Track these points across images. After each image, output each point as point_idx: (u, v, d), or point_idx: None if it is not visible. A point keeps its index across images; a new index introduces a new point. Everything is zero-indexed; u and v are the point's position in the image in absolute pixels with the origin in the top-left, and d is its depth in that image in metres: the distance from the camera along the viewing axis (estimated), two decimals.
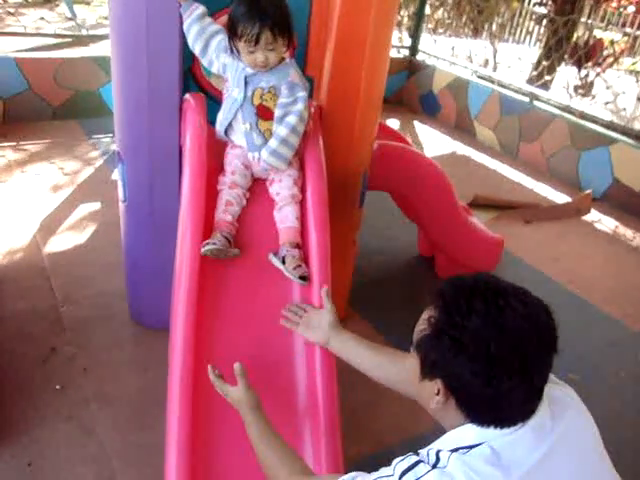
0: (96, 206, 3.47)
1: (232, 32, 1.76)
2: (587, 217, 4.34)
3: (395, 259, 3.42)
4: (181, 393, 1.51)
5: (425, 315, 1.08)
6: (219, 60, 1.88)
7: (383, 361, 1.48)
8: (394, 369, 1.44)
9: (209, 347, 1.64)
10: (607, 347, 2.89)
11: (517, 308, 1.01)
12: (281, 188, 1.85)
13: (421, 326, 1.08)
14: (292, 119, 1.82)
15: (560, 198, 4.59)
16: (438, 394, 1.05)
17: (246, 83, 1.82)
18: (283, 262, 1.73)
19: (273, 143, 1.81)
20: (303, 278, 1.69)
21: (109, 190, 3.27)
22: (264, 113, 1.84)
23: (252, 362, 1.65)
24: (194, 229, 1.71)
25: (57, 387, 2.16)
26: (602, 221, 4.30)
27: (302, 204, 1.86)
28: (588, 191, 4.53)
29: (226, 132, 1.91)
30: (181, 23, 1.90)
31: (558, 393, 1.12)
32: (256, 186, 1.94)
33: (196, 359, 1.57)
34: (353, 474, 1.09)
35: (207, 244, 1.68)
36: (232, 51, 1.82)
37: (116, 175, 2.43)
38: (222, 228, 1.75)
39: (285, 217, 1.81)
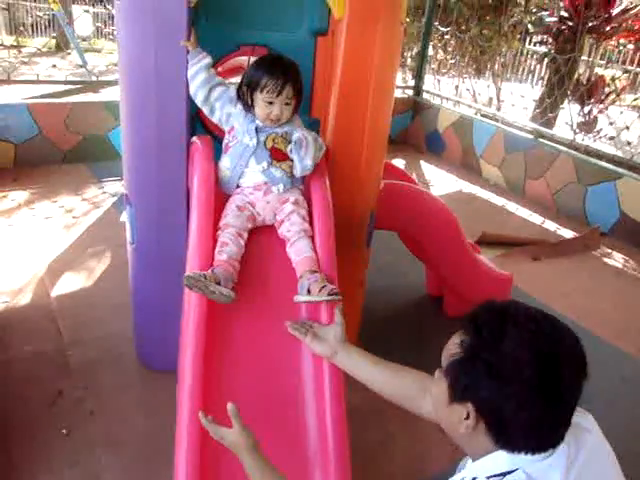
0: (104, 248, 3.49)
1: (253, 84, 1.85)
2: (596, 252, 4.32)
3: (403, 298, 3.39)
4: (189, 437, 1.49)
5: (456, 339, 1.08)
6: (223, 110, 1.95)
7: (390, 377, 1.49)
8: (401, 384, 1.45)
9: (217, 390, 1.62)
10: (620, 383, 2.84)
11: (549, 333, 1.02)
12: (292, 225, 1.86)
13: (452, 350, 1.08)
14: (310, 135, 1.93)
15: (568, 234, 4.58)
16: (467, 418, 1.05)
17: (257, 131, 1.89)
18: (309, 293, 1.69)
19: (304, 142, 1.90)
20: (334, 294, 1.65)
21: (117, 233, 3.29)
22: (277, 155, 1.90)
23: (260, 405, 1.63)
24: (202, 269, 1.70)
25: (63, 431, 2.14)
26: (611, 255, 4.28)
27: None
28: (596, 226, 4.53)
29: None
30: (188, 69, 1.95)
31: (578, 419, 1.11)
32: (262, 232, 1.93)
33: (204, 402, 1.55)
34: None
35: (188, 276, 1.62)
36: (245, 103, 1.89)
37: (124, 218, 2.45)
38: (215, 266, 1.71)
39: (300, 249, 1.80)
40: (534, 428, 1.00)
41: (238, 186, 1.94)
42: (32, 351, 2.54)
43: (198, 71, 1.92)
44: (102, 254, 3.44)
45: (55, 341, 2.63)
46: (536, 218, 4.87)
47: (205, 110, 1.98)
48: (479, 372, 1.01)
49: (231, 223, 1.83)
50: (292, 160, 1.92)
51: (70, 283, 3.11)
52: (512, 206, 5.08)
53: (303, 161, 1.90)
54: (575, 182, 4.86)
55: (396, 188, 2.81)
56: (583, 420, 1.13)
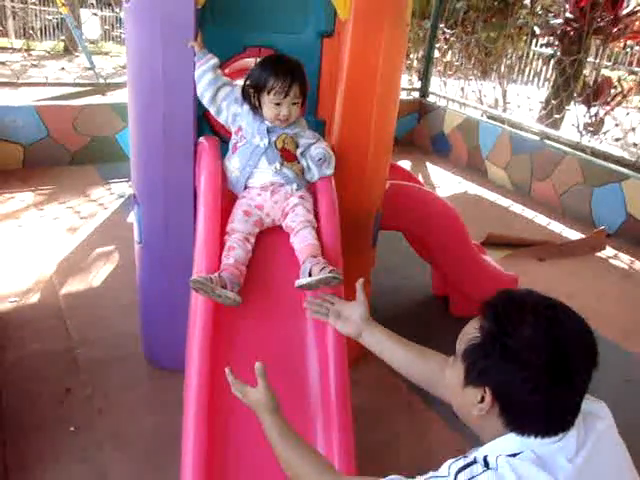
0: (112, 248, 3.52)
1: (259, 85, 1.86)
2: (602, 253, 4.31)
3: (409, 298, 3.40)
4: (195, 435, 1.51)
5: (475, 324, 1.12)
6: (229, 110, 1.96)
7: (415, 359, 1.50)
8: (426, 368, 1.47)
9: (224, 389, 1.64)
10: (625, 384, 2.84)
11: (565, 321, 1.07)
12: (296, 215, 1.87)
13: (470, 334, 1.11)
14: (321, 144, 1.97)
15: (574, 235, 4.58)
16: (482, 401, 1.08)
17: (268, 132, 1.90)
18: (310, 275, 1.70)
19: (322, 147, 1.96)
20: (333, 273, 1.64)
21: (124, 233, 3.32)
22: (287, 155, 1.93)
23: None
24: (209, 270, 1.73)
25: (72, 429, 2.16)
26: (617, 257, 4.27)
27: None
28: (602, 227, 4.52)
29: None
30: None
31: (591, 407, 1.15)
32: (269, 235, 1.94)
33: (211, 401, 1.57)
34: (395, 477, 1.11)
35: (194, 279, 1.65)
36: (253, 105, 1.90)
37: (131, 218, 2.47)
38: (222, 270, 1.73)
39: (304, 237, 1.81)
40: (546, 411, 1.04)
41: (246, 187, 1.95)
42: (41, 350, 2.57)
43: (205, 72, 1.94)
44: (110, 254, 3.46)
45: (64, 340, 2.65)
46: (542, 219, 4.87)
47: (212, 110, 2.00)
48: (497, 356, 1.05)
49: (238, 228, 1.84)
50: (300, 162, 1.95)
51: (78, 283, 3.14)
52: (518, 207, 5.08)
53: (322, 171, 1.96)
54: (581, 183, 4.86)
55: (402, 189, 2.83)
56: (596, 408, 1.17)
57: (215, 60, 1.96)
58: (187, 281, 1.73)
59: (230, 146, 1.99)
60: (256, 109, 1.91)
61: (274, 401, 1.36)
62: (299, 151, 1.94)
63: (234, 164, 1.94)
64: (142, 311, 2.51)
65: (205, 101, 1.98)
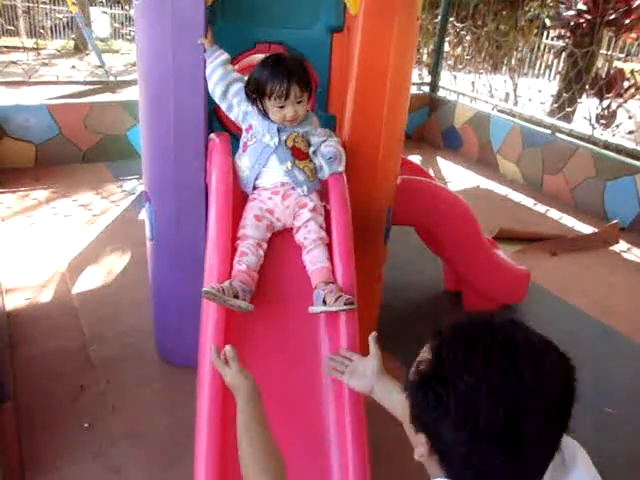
0: (123, 245, 3.54)
1: (259, 92, 1.85)
2: (615, 247, 4.28)
3: (421, 294, 3.40)
4: (209, 431, 1.51)
5: (420, 356, 0.95)
6: (240, 107, 1.95)
7: None
8: None
9: None
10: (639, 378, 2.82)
11: (524, 376, 0.84)
12: (308, 232, 1.85)
13: (412, 368, 0.96)
14: (332, 141, 1.94)
15: (586, 229, 4.54)
16: (423, 445, 0.94)
17: (279, 131, 1.88)
18: (324, 303, 1.68)
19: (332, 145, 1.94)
20: (350, 304, 1.64)
21: (136, 230, 3.34)
22: (298, 154, 1.91)
23: (281, 398, 1.64)
24: (221, 266, 1.73)
25: (85, 425, 2.18)
26: (630, 251, 4.24)
27: (328, 240, 1.87)
28: (615, 221, 4.48)
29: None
30: (205, 67, 1.97)
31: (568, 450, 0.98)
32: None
33: (224, 397, 1.57)
34: None
35: (206, 290, 1.62)
36: (258, 109, 1.89)
37: (143, 215, 2.48)
38: (234, 277, 1.71)
39: (315, 258, 1.80)
40: (485, 475, 0.88)
41: (255, 187, 1.93)
42: (55, 347, 2.59)
43: (216, 67, 1.94)
44: (122, 251, 3.48)
45: (77, 337, 2.67)
46: (554, 213, 4.83)
47: (223, 106, 1.99)
48: (430, 405, 0.89)
49: (249, 234, 1.82)
50: (312, 161, 1.94)
51: (91, 280, 3.16)
52: (530, 202, 5.04)
53: (333, 168, 1.95)
54: (594, 177, 4.82)
55: (413, 184, 2.82)
56: (570, 454, 0.98)
57: (226, 56, 1.96)
58: (200, 277, 1.74)
59: (240, 144, 1.98)
60: (263, 112, 1.90)
61: (249, 385, 1.26)
62: (311, 150, 1.93)
63: (244, 163, 1.93)
64: (155, 308, 2.52)
65: (216, 97, 1.97)
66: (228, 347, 1.34)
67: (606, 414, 2.45)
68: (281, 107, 1.84)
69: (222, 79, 1.94)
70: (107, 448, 2.09)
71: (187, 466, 1.55)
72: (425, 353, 0.94)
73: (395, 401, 1.31)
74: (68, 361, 2.51)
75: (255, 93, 1.87)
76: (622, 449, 2.32)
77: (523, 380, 0.84)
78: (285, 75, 1.81)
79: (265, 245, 1.85)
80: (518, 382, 0.84)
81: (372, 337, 1.50)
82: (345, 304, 1.64)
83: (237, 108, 1.96)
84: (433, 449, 0.92)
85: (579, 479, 0.96)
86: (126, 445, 2.11)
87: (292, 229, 1.92)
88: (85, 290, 3.06)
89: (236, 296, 1.65)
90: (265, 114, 1.89)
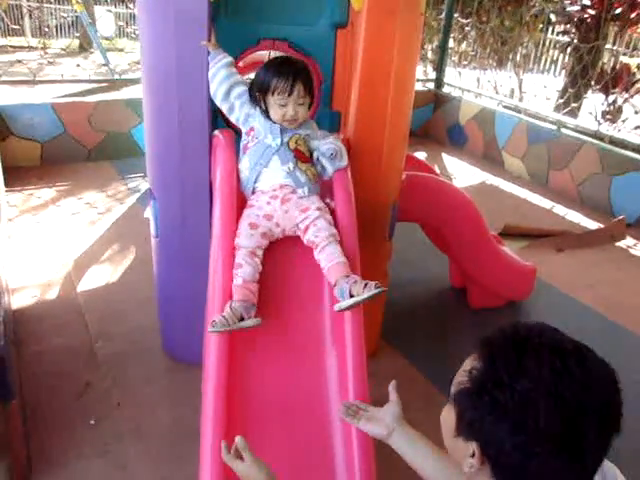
0: (129, 243, 3.54)
1: (264, 88, 1.83)
2: (621, 243, 4.26)
3: (427, 290, 3.39)
4: (214, 427, 1.51)
5: (467, 365, 0.95)
6: (242, 109, 1.92)
7: (448, 468, 1.23)
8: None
9: (241, 382, 1.64)
10: None
11: (577, 374, 0.85)
12: (319, 230, 1.79)
13: (461, 377, 0.94)
14: (329, 138, 1.94)
15: (592, 225, 4.52)
16: (473, 456, 0.92)
17: (281, 132, 1.86)
18: (351, 296, 1.63)
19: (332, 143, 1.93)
20: (379, 288, 1.61)
21: (141, 227, 3.34)
22: (300, 156, 1.88)
23: (284, 398, 1.65)
24: (226, 263, 1.73)
25: (92, 422, 2.18)
26: (637, 246, 4.21)
27: None
28: (621, 217, 4.46)
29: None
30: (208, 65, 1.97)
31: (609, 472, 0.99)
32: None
33: (229, 394, 1.57)
34: None
35: (213, 323, 1.58)
36: (260, 108, 1.88)
37: (148, 213, 2.48)
38: (233, 299, 1.66)
39: (331, 254, 1.73)
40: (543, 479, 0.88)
41: (253, 191, 1.88)
42: (61, 344, 2.60)
43: (219, 69, 1.93)
44: (127, 249, 3.49)
45: (83, 334, 2.68)
46: (560, 209, 4.81)
47: (224, 108, 1.97)
48: (486, 410, 0.88)
49: (243, 244, 1.77)
50: (314, 165, 1.92)
51: (96, 278, 3.17)
52: (535, 198, 5.03)
53: (336, 164, 1.93)
54: (600, 172, 4.79)
55: (418, 180, 2.81)
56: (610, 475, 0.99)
57: (229, 58, 1.95)
58: (204, 273, 1.74)
59: (241, 147, 1.95)
60: (266, 113, 1.88)
61: (264, 472, 1.22)
62: (315, 155, 1.91)
63: (244, 164, 1.90)
64: (159, 305, 2.53)
65: (218, 98, 1.95)
66: (238, 438, 1.28)
67: None
68: (283, 105, 1.82)
69: (225, 80, 1.93)
70: (113, 445, 2.10)
71: (192, 462, 1.55)
72: (474, 361, 0.94)
73: (419, 450, 1.29)
74: (74, 358, 2.52)
75: (259, 90, 1.86)
76: (629, 445, 2.29)
77: (575, 378, 0.85)
78: (291, 73, 1.81)
79: (261, 253, 1.79)
80: (571, 380, 0.85)
81: (392, 385, 1.44)
82: (376, 288, 1.61)
83: (239, 110, 1.93)
84: (485, 458, 0.91)
85: None
86: (132, 442, 2.12)
87: (289, 237, 1.86)
88: (91, 288, 3.07)
89: (241, 318, 1.62)
90: (267, 116, 1.87)
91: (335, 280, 1.69)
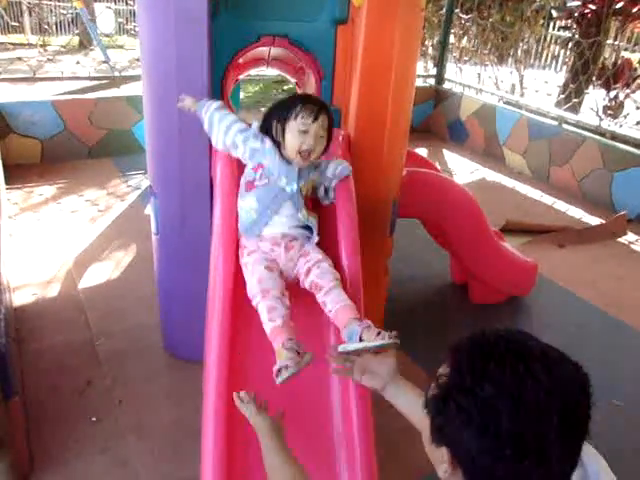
0: (129, 240, 3.54)
1: (286, 112, 1.71)
2: (623, 239, 4.25)
3: (428, 286, 3.39)
4: (215, 425, 1.51)
5: (439, 372, 0.97)
6: (246, 144, 1.77)
7: None
8: None
9: (243, 379, 1.64)
10: None
11: (541, 379, 0.86)
12: (323, 273, 1.69)
13: (432, 383, 0.97)
14: (333, 163, 1.88)
15: (594, 221, 4.51)
16: (446, 460, 0.94)
17: (299, 175, 1.74)
18: (360, 340, 1.52)
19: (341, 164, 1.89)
20: (394, 339, 1.47)
21: (142, 225, 3.34)
22: (309, 203, 1.84)
23: (286, 392, 1.64)
24: (226, 260, 1.72)
25: (93, 419, 2.19)
26: (638, 242, 4.21)
27: (333, 232, 1.86)
28: (623, 212, 4.45)
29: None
30: (209, 60, 1.96)
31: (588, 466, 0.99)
32: None
33: (230, 391, 1.57)
34: None
35: (279, 372, 1.47)
36: (273, 138, 1.75)
37: (149, 210, 2.48)
38: (282, 341, 1.53)
39: (337, 297, 1.64)
40: None
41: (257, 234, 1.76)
42: (62, 341, 2.60)
43: (213, 113, 1.83)
44: (128, 246, 3.49)
45: (84, 332, 2.68)
46: (561, 205, 4.81)
47: (227, 145, 1.81)
48: (453, 415, 0.90)
49: (268, 286, 1.64)
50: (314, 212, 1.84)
51: (97, 275, 3.17)
52: (536, 193, 5.02)
53: (341, 172, 1.88)
54: (601, 168, 4.78)
55: (419, 176, 2.80)
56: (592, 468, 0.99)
57: (219, 102, 1.86)
58: (204, 269, 1.72)
59: (243, 182, 1.79)
60: (277, 144, 1.74)
61: (268, 422, 1.34)
62: (320, 193, 1.86)
63: (249, 204, 1.74)
64: (160, 302, 2.53)
65: (220, 141, 1.82)
66: (243, 393, 1.40)
67: (614, 406, 2.44)
68: (304, 132, 1.69)
69: (221, 121, 1.81)
70: (114, 441, 2.10)
71: (193, 459, 1.56)
72: (443, 368, 0.96)
73: (410, 400, 1.35)
74: (75, 356, 2.52)
75: (278, 117, 1.73)
76: (630, 441, 2.31)
77: (539, 382, 0.86)
78: (318, 102, 1.75)
79: (287, 292, 1.67)
80: (534, 384, 0.85)
81: (392, 336, 1.46)
82: (390, 338, 1.47)
83: (242, 145, 1.78)
84: (456, 463, 0.92)
85: None
86: (133, 439, 2.12)
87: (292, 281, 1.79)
88: (91, 285, 3.07)
89: (298, 352, 1.51)
90: (279, 151, 1.74)
91: (346, 322, 1.59)
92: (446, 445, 0.93)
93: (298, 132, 1.70)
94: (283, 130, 1.72)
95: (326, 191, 1.88)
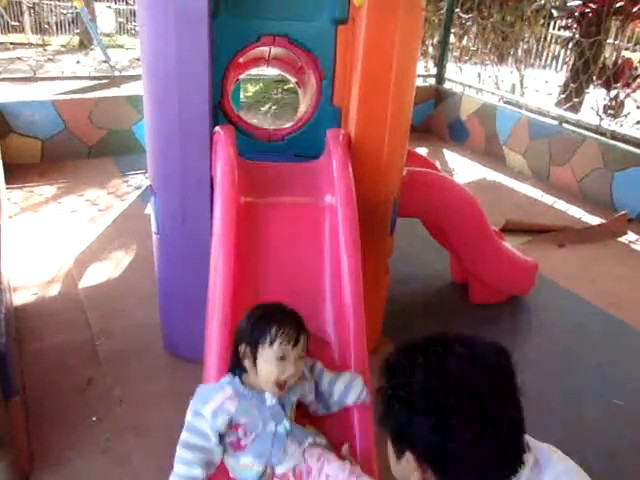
0: (130, 240, 3.54)
1: (258, 338, 1.42)
2: (623, 238, 4.25)
3: (428, 286, 3.39)
4: None
5: (377, 389, 1.05)
6: (221, 418, 1.41)
7: None
8: None
9: None
10: None
11: (460, 352, 0.97)
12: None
13: (376, 401, 1.05)
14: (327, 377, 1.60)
15: (594, 220, 4.51)
16: (416, 470, 1.00)
17: (283, 407, 1.47)
18: None
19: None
20: None
21: (142, 225, 3.34)
22: (300, 420, 1.55)
23: None
24: (226, 259, 1.72)
25: (93, 419, 2.19)
26: (639, 242, 4.21)
27: (334, 231, 1.87)
28: (623, 212, 4.45)
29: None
30: (209, 60, 1.97)
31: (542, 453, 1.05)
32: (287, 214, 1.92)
33: None
34: None
35: None
36: (241, 371, 1.47)
37: (149, 210, 2.48)
38: None
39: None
40: (474, 457, 0.94)
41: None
42: (62, 341, 2.60)
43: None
44: (128, 246, 3.49)
45: (84, 331, 2.68)
46: (561, 205, 4.80)
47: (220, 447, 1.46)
48: (399, 412, 0.98)
49: None
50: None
51: (97, 275, 3.17)
52: (537, 193, 5.02)
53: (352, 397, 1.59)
54: (601, 168, 4.78)
55: (419, 175, 2.80)
56: (545, 458, 1.04)
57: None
58: (205, 268, 1.72)
59: (228, 444, 1.46)
60: (240, 370, 1.47)
61: None
62: (310, 403, 1.57)
63: (245, 461, 1.45)
64: (161, 302, 2.53)
65: (216, 459, 1.47)
66: None
67: (614, 406, 2.44)
68: (283, 359, 1.41)
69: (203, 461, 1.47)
70: (114, 441, 2.10)
71: None
72: (379, 383, 1.05)
73: None
74: (75, 355, 2.52)
75: (248, 344, 1.44)
76: (631, 441, 2.31)
77: (459, 354, 0.96)
78: (294, 319, 1.46)
79: None
80: (455, 358, 0.96)
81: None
82: None
83: (221, 419, 1.42)
84: (422, 461, 0.98)
85: (556, 470, 1.02)
86: (133, 438, 2.12)
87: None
88: (92, 285, 3.07)
89: None
90: (249, 392, 1.46)
91: None
92: (407, 446, 1.00)
93: (276, 360, 1.41)
94: (254, 357, 1.43)
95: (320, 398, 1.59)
